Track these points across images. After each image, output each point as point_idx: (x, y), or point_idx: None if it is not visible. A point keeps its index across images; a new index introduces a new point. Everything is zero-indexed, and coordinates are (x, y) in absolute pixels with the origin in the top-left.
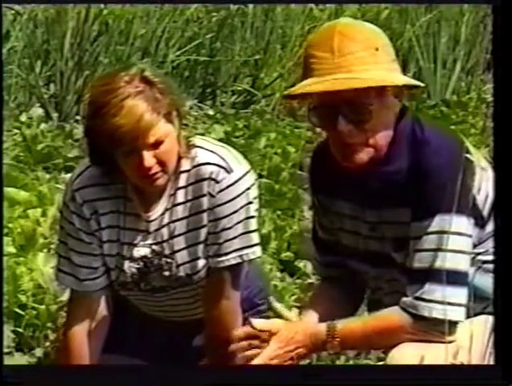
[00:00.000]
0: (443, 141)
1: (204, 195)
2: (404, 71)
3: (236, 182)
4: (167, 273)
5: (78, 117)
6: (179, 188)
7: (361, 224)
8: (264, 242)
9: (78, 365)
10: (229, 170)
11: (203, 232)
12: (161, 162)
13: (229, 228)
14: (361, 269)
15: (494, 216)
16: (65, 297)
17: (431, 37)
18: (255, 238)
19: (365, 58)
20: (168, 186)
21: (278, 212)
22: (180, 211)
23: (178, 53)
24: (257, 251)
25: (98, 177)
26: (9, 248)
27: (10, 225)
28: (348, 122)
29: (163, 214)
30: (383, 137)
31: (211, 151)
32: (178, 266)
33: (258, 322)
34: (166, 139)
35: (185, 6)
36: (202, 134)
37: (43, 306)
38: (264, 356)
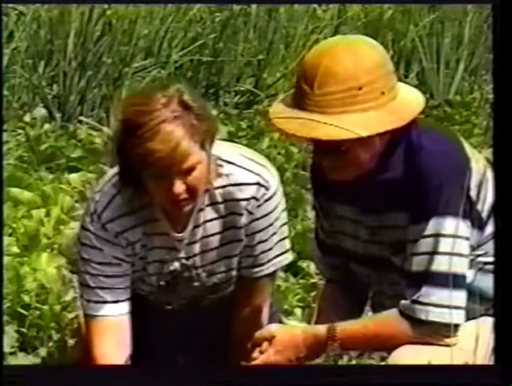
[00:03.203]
0: (438, 144)
1: (241, 214)
2: (407, 71)
3: (272, 196)
4: (196, 284)
5: (81, 118)
6: (212, 204)
7: (361, 229)
8: None
9: (78, 365)
10: (268, 187)
11: (238, 247)
12: (190, 189)
13: (265, 241)
14: (363, 273)
15: (494, 217)
16: (68, 297)
17: (435, 37)
18: (287, 244)
19: (344, 99)
20: (198, 203)
21: None
22: (214, 227)
23: (181, 53)
24: (289, 256)
25: (126, 205)
26: (12, 248)
27: (14, 225)
28: (325, 153)
29: (193, 229)
30: (367, 157)
31: (247, 169)
32: (208, 277)
33: (257, 333)
34: (198, 166)
35: (188, 7)
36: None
37: (46, 306)
38: (261, 362)
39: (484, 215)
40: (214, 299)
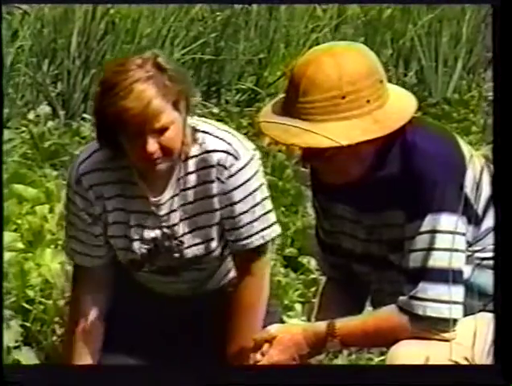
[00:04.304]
0: (433, 142)
1: (212, 181)
2: (406, 69)
3: (244, 166)
4: (176, 255)
5: (85, 115)
6: (188, 173)
7: (359, 228)
8: None
9: (78, 365)
10: (237, 157)
11: (215, 216)
12: (164, 148)
13: (246, 212)
14: (363, 271)
15: (494, 213)
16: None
17: (433, 36)
18: (273, 217)
19: (327, 107)
20: (176, 171)
21: (282, 209)
22: (190, 196)
23: (183, 52)
24: (277, 229)
25: (104, 162)
26: (17, 244)
27: (19, 221)
28: (311, 158)
29: (172, 198)
30: (355, 162)
31: (218, 138)
32: (188, 248)
33: (257, 335)
34: (171, 126)
35: (190, 6)
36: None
37: (50, 301)
38: (265, 363)
39: (479, 211)
40: (207, 287)
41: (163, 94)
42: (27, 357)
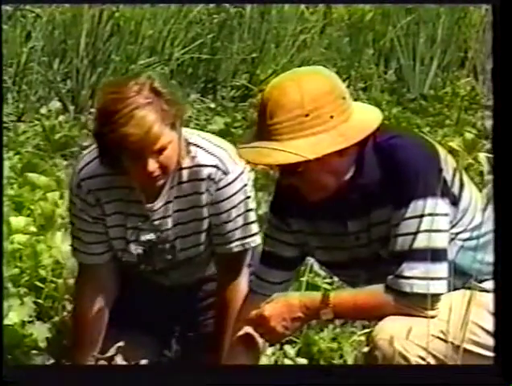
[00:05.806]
0: (404, 139)
1: (202, 193)
2: (386, 67)
3: (232, 182)
4: (169, 257)
5: (92, 110)
6: (181, 183)
7: (344, 238)
8: (260, 222)
9: (78, 365)
10: (226, 172)
11: (204, 223)
12: (163, 166)
13: (230, 221)
14: (352, 275)
15: (495, 212)
16: None
17: (411, 37)
18: (255, 228)
19: (292, 126)
20: (169, 180)
21: None
22: (182, 203)
23: (182, 52)
24: (257, 239)
25: (104, 167)
26: (30, 228)
27: (32, 207)
28: (288, 175)
29: (165, 204)
30: (330, 174)
31: (210, 153)
32: (180, 251)
33: (250, 316)
34: (169, 146)
35: (189, 8)
36: (202, 129)
37: (60, 280)
38: (259, 323)
39: (455, 191)
40: (193, 278)
41: (162, 118)
42: (40, 331)
